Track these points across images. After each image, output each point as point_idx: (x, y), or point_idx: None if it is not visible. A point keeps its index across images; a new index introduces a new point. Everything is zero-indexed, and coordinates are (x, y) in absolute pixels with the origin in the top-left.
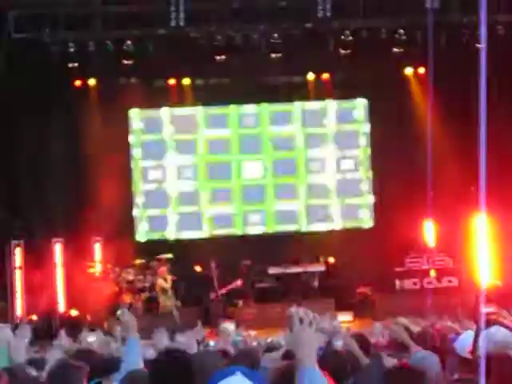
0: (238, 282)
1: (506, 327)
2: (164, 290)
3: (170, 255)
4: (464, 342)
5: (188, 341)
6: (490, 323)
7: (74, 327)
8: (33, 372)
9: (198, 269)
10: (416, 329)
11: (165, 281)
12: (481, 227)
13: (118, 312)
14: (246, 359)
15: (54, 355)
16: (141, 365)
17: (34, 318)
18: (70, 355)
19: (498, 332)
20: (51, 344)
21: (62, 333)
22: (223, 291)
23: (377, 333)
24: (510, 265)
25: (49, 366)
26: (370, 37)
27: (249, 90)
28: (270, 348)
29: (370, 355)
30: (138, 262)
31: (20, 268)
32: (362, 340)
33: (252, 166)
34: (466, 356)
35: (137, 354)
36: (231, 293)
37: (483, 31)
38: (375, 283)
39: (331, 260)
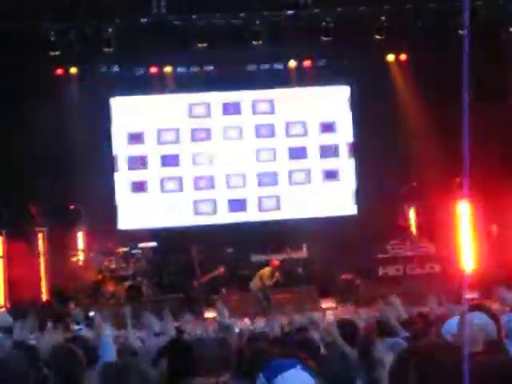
0: (221, 270)
1: (489, 312)
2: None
3: (152, 243)
4: (449, 327)
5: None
6: (473, 308)
7: (57, 316)
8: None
9: (179, 255)
10: (403, 314)
11: None
12: (463, 214)
13: (91, 314)
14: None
15: (45, 344)
16: (114, 357)
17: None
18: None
19: (476, 316)
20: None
21: (49, 324)
22: (205, 279)
23: (363, 319)
24: (490, 251)
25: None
26: (351, 23)
27: (231, 77)
28: (254, 336)
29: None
30: (120, 250)
31: (1, 257)
32: (349, 326)
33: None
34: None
35: (110, 348)
36: (214, 280)
37: (466, 17)
38: (358, 270)
39: (314, 247)
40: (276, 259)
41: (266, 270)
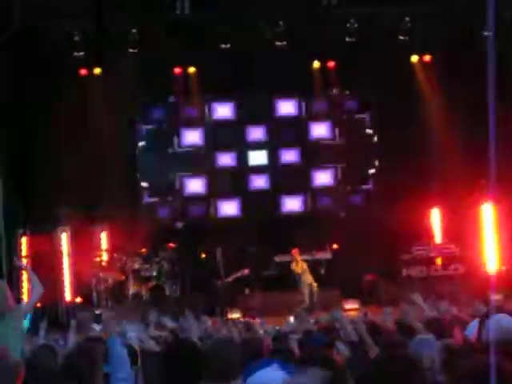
0: (245, 271)
1: None
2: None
3: (176, 244)
4: (472, 328)
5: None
6: (497, 310)
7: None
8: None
9: (203, 256)
10: (428, 313)
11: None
12: (488, 215)
13: (97, 311)
14: None
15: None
16: (124, 355)
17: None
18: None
19: (504, 318)
20: (58, 333)
21: (73, 323)
22: (230, 279)
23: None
24: None
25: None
26: (375, 24)
27: (254, 78)
28: (278, 336)
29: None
30: (144, 250)
31: (26, 257)
32: (372, 327)
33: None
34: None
35: (120, 349)
36: (237, 281)
37: (491, 18)
38: (382, 271)
39: (337, 248)
40: (294, 249)
41: (293, 264)
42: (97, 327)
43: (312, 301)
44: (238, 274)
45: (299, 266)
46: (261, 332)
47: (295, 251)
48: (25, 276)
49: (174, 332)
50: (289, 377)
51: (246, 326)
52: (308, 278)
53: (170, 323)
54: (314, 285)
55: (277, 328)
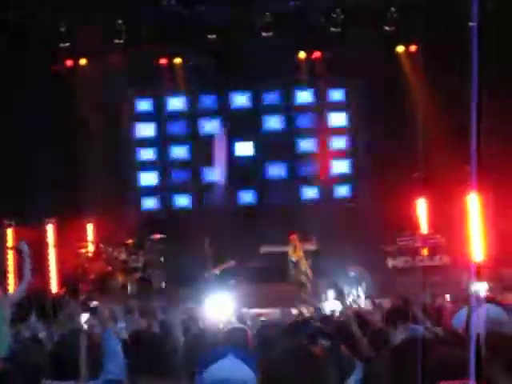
0: (232, 263)
1: (500, 304)
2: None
3: (162, 234)
4: (460, 318)
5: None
6: (483, 300)
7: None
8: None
9: (190, 247)
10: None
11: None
12: (473, 206)
13: (93, 303)
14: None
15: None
16: (119, 350)
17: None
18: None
19: (490, 309)
20: (45, 323)
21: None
22: (216, 270)
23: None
24: (499, 242)
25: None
26: (361, 14)
27: (240, 69)
28: (265, 327)
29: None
30: (130, 241)
31: (12, 248)
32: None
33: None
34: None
35: (114, 342)
36: (224, 273)
37: (475, 8)
38: (367, 261)
39: (323, 239)
40: (292, 232)
41: (290, 250)
42: (85, 318)
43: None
44: (225, 266)
45: (297, 252)
46: (248, 323)
47: (293, 237)
48: (11, 266)
49: (163, 324)
50: (249, 369)
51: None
52: (304, 265)
53: (160, 315)
54: (310, 273)
55: (262, 319)
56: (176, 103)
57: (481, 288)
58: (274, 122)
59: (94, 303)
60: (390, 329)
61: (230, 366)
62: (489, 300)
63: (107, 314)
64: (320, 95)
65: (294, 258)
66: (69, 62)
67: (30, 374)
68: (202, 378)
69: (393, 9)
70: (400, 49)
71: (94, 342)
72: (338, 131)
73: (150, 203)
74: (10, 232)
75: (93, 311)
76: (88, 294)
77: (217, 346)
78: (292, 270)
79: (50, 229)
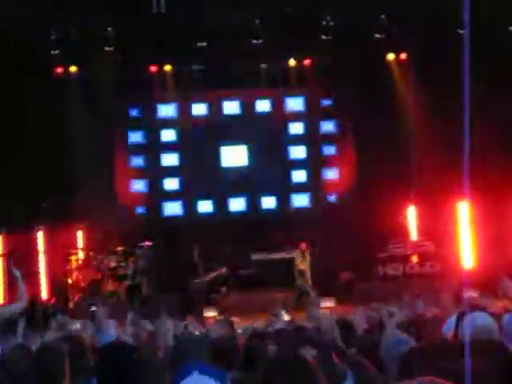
0: (223, 270)
1: (489, 312)
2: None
3: (152, 242)
4: (449, 326)
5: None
6: (473, 308)
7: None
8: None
9: (180, 254)
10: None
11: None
12: (463, 213)
13: (93, 308)
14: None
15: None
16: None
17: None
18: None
19: (479, 317)
20: (35, 332)
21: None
22: (207, 278)
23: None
24: (489, 249)
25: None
26: (351, 23)
27: (230, 76)
28: (256, 335)
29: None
30: (120, 248)
31: (2, 256)
32: (345, 325)
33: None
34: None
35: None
36: (214, 280)
37: (466, 17)
38: (358, 269)
39: (313, 246)
40: (302, 242)
41: (298, 259)
42: (76, 326)
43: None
44: (216, 274)
45: (306, 261)
46: (239, 331)
47: (303, 245)
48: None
49: (151, 335)
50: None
51: (225, 324)
52: (308, 274)
53: (148, 325)
54: (310, 283)
55: (253, 326)
56: (167, 110)
57: (470, 295)
58: (265, 130)
59: (93, 308)
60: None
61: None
62: (478, 308)
63: (105, 318)
64: (310, 103)
65: (301, 267)
66: (59, 69)
67: (18, 382)
68: None
69: (383, 16)
70: (390, 57)
71: (84, 346)
72: (327, 138)
73: (140, 210)
74: (0, 239)
75: (92, 315)
76: (78, 301)
77: (188, 360)
78: (298, 279)
79: (40, 236)
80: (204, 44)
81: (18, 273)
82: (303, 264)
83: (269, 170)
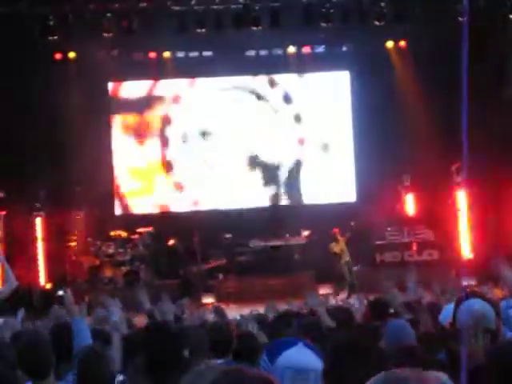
0: (223, 261)
1: (487, 299)
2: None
3: (150, 228)
4: (446, 313)
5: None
6: (470, 295)
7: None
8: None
9: (172, 242)
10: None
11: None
12: (462, 201)
13: (60, 292)
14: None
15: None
16: (90, 341)
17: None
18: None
19: (475, 303)
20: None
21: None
22: (207, 267)
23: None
24: (487, 237)
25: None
26: (351, 10)
27: (229, 62)
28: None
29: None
30: (118, 235)
31: (0, 241)
32: (344, 312)
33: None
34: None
35: (84, 332)
36: (212, 266)
37: (465, 4)
38: (356, 256)
39: (312, 234)
40: (335, 228)
41: (332, 243)
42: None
43: (352, 279)
44: (216, 264)
45: (339, 246)
46: (237, 317)
47: (336, 230)
48: None
49: (151, 314)
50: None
51: (216, 311)
52: (346, 257)
53: (147, 305)
54: (351, 263)
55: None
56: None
57: (468, 283)
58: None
59: (60, 292)
60: (378, 323)
61: (304, 354)
62: (476, 295)
63: (73, 302)
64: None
65: (336, 250)
66: (58, 55)
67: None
68: (274, 365)
69: (382, 4)
70: (389, 44)
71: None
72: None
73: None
74: None
75: (60, 300)
76: (77, 287)
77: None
78: (336, 262)
79: (38, 222)
80: (203, 30)
81: (1, 256)
82: (337, 249)
83: (268, 159)
